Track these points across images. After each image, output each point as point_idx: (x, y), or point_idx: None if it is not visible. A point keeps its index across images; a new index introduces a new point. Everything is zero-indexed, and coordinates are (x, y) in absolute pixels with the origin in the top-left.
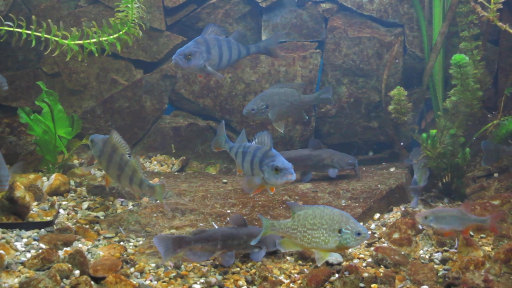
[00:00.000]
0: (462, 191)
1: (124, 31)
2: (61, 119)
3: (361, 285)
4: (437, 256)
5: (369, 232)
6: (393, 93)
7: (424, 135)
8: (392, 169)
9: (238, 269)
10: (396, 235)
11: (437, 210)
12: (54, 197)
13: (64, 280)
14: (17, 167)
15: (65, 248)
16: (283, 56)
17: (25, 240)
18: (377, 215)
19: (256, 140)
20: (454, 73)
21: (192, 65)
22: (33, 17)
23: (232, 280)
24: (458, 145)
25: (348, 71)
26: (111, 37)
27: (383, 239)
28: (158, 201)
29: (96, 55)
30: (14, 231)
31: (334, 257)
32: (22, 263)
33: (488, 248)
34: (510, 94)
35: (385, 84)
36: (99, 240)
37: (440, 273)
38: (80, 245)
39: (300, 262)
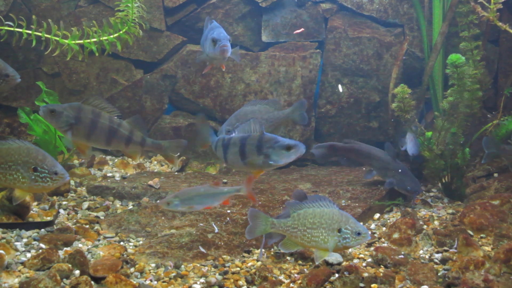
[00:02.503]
0: (462, 191)
1: (124, 30)
2: None
3: (361, 285)
4: (437, 256)
5: (369, 232)
6: (397, 90)
7: (420, 138)
8: None
9: (238, 269)
10: (396, 235)
11: (181, 193)
12: (54, 197)
13: (64, 280)
14: None
15: (65, 248)
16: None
17: (25, 240)
18: (377, 215)
19: (237, 131)
20: (451, 72)
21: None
22: (34, 16)
23: (232, 280)
24: (458, 145)
25: (348, 71)
26: (112, 36)
27: (383, 239)
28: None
29: (97, 54)
30: (14, 231)
31: (334, 257)
32: (22, 263)
33: (488, 248)
34: (510, 94)
35: (394, 84)
36: (99, 240)
37: (440, 273)
38: (80, 245)
39: (300, 262)
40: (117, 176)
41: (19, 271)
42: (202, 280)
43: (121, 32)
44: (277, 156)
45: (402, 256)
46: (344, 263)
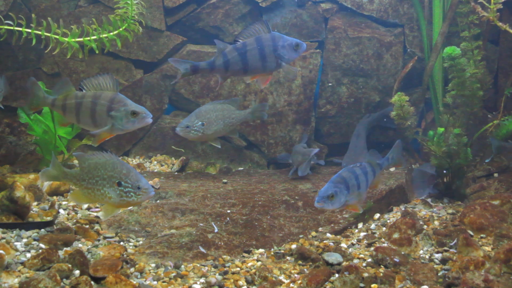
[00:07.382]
0: (462, 191)
1: (124, 27)
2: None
3: (361, 285)
4: (437, 256)
5: (369, 232)
6: (393, 100)
7: (430, 132)
8: (392, 169)
9: (238, 269)
10: (396, 235)
11: None
12: (54, 197)
13: (64, 280)
14: None
15: (65, 248)
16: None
17: (25, 240)
18: (377, 215)
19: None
20: (449, 65)
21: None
22: (33, 15)
23: (232, 280)
24: (461, 145)
25: (348, 71)
26: (111, 34)
27: (383, 239)
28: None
29: (97, 52)
30: (14, 231)
31: (334, 257)
32: (22, 263)
33: (488, 248)
34: (510, 94)
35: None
36: (99, 240)
37: (440, 273)
38: (80, 245)
39: (300, 262)
40: None
41: (19, 271)
42: (202, 280)
43: (120, 29)
44: (122, 120)
45: (401, 256)
46: (344, 263)
